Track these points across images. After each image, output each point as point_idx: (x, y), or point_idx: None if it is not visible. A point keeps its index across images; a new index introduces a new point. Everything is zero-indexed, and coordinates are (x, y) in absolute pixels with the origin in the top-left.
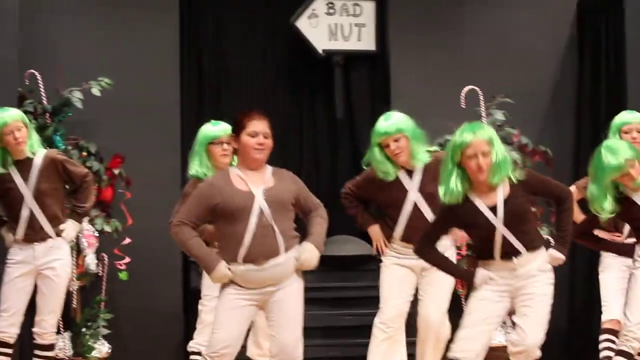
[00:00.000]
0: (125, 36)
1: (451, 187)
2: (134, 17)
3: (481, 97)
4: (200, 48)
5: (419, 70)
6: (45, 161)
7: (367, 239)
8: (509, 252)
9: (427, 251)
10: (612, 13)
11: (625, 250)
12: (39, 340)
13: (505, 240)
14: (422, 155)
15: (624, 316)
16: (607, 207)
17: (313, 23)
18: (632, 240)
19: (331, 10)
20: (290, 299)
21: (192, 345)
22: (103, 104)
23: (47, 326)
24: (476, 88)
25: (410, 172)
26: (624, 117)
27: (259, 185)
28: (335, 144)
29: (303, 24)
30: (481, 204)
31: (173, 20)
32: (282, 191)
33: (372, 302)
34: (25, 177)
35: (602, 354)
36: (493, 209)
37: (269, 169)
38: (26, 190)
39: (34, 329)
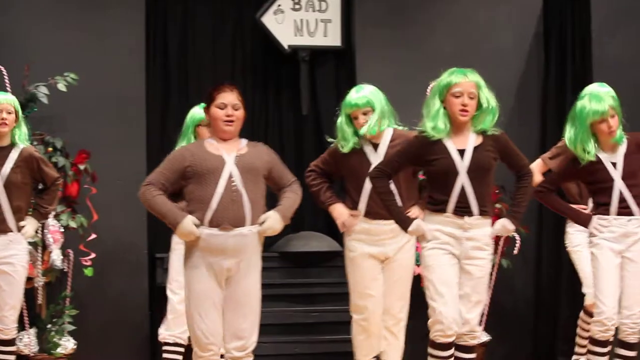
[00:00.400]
0: (92, 31)
1: (440, 125)
2: (100, 13)
3: None
4: (166, 43)
5: (385, 66)
6: (23, 154)
7: (333, 233)
8: (463, 207)
9: (379, 179)
10: (578, 9)
11: (581, 219)
12: (1, 336)
13: (462, 192)
14: (374, 129)
15: (597, 300)
16: (591, 149)
17: (279, 19)
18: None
19: (297, 6)
20: (249, 286)
21: (167, 337)
22: (69, 99)
23: (8, 322)
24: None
25: (376, 146)
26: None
27: (231, 151)
28: (301, 139)
29: (269, 20)
30: (451, 145)
31: (139, 15)
32: (254, 159)
33: (338, 298)
34: (0, 165)
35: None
36: (461, 154)
37: (243, 140)
38: None
39: None
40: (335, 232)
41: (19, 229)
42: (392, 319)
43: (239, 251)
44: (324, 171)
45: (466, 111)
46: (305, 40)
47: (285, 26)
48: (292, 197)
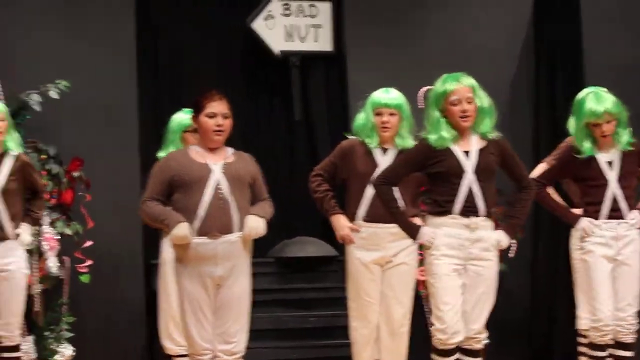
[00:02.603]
0: (83, 38)
1: (442, 134)
2: (91, 19)
3: None
4: (157, 49)
5: (376, 71)
6: (18, 162)
7: (328, 239)
8: (469, 208)
9: (383, 186)
10: (568, 13)
11: (570, 218)
12: (5, 343)
13: (470, 192)
14: (408, 140)
15: (592, 306)
16: (586, 146)
17: (269, 24)
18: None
19: (287, 12)
20: (239, 291)
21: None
22: (61, 106)
23: (12, 328)
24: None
25: (385, 150)
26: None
27: (217, 160)
28: (293, 145)
29: (259, 26)
30: (456, 148)
31: (130, 22)
32: (241, 168)
33: (335, 303)
34: None
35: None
36: (466, 155)
37: (229, 149)
38: None
39: (0, 333)
40: (330, 237)
41: (15, 236)
42: (393, 324)
43: (228, 257)
44: (329, 175)
45: (467, 116)
46: (296, 46)
47: (276, 32)
48: (265, 206)
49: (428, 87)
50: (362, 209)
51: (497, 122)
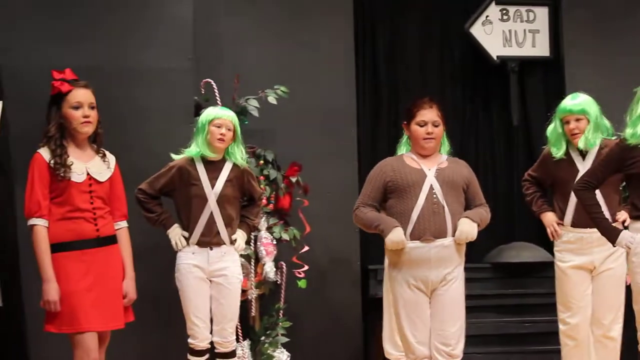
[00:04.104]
0: (301, 43)
1: (638, 131)
2: (309, 24)
3: None
4: (375, 54)
5: (594, 76)
6: (237, 169)
7: (545, 244)
8: None
9: (585, 191)
10: None
11: None
12: (221, 349)
13: None
14: (591, 141)
15: None
16: None
17: (487, 29)
18: None
19: (505, 17)
20: (454, 295)
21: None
22: (279, 111)
23: (227, 334)
24: None
25: (584, 154)
26: None
27: (431, 166)
28: (512, 149)
29: (477, 31)
30: None
31: (348, 27)
32: (454, 173)
33: (551, 309)
34: (214, 179)
35: None
36: None
37: (443, 155)
38: (211, 192)
39: (215, 339)
40: (547, 243)
41: (231, 242)
42: (603, 330)
43: (442, 261)
44: (536, 179)
45: None
46: (513, 51)
47: (494, 37)
48: (480, 211)
49: None
50: (569, 215)
51: None
